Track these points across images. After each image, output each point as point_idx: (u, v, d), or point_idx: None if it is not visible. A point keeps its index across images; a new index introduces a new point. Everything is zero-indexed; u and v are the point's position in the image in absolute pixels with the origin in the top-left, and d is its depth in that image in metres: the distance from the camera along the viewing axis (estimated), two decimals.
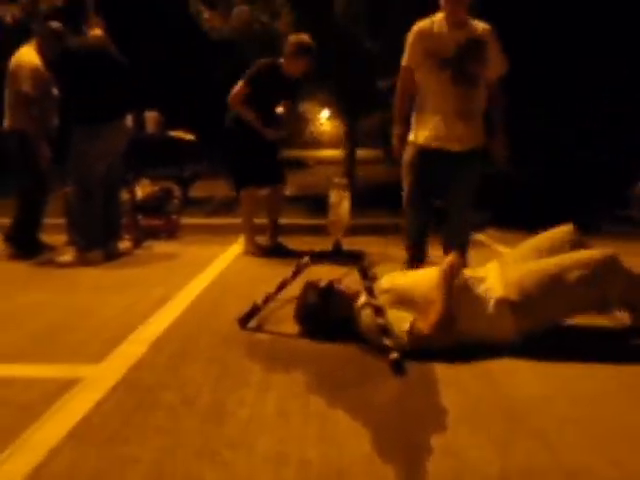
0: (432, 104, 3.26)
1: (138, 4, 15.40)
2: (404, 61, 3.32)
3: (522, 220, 5.91)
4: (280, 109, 4.59)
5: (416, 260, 3.46)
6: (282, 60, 4.40)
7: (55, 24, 4.55)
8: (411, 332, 2.18)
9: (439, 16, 3.22)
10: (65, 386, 1.98)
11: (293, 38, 4.39)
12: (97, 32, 4.30)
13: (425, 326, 2.19)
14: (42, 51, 4.48)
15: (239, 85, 4.34)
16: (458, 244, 3.30)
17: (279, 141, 4.62)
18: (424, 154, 3.28)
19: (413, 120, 3.38)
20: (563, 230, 2.51)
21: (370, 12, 6.42)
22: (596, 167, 9.35)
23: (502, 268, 2.41)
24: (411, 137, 3.37)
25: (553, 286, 2.24)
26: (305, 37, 4.37)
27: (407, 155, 3.40)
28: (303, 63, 4.37)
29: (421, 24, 3.25)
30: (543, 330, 2.26)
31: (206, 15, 7.45)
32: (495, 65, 3.24)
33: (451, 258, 2.40)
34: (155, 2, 15.76)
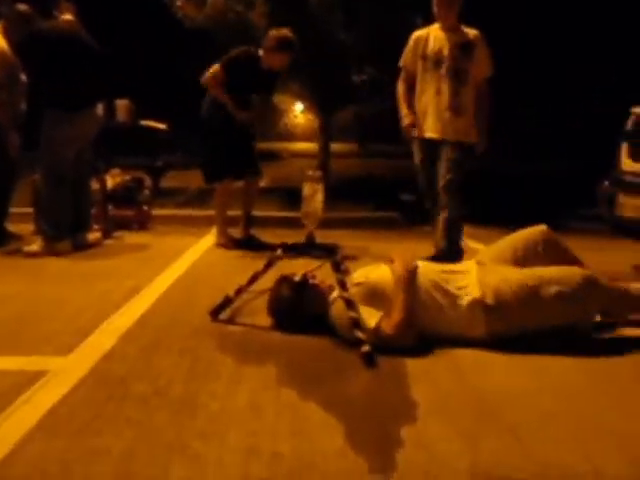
0: (427, 99, 3.68)
1: None
2: (401, 62, 3.81)
3: (494, 216, 6.02)
4: (254, 100, 4.55)
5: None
6: (261, 52, 4.36)
7: (23, 7, 4.42)
8: (376, 330, 2.20)
9: (435, 25, 3.71)
10: (33, 378, 1.94)
11: (274, 32, 4.33)
12: (68, 17, 4.20)
13: (387, 326, 2.21)
14: (8, 34, 4.35)
15: (214, 67, 4.28)
16: (448, 231, 3.72)
17: (253, 131, 4.58)
18: (423, 144, 3.74)
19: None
20: (537, 229, 2.54)
21: (344, 3, 6.41)
22: (569, 168, 9.58)
23: (479, 268, 2.42)
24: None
25: (530, 297, 2.27)
26: (287, 32, 4.32)
27: (415, 149, 3.84)
28: (283, 58, 4.35)
29: (417, 32, 3.76)
30: (516, 334, 2.28)
31: (179, 3, 7.35)
32: (483, 66, 3.66)
33: (403, 260, 2.38)
34: None
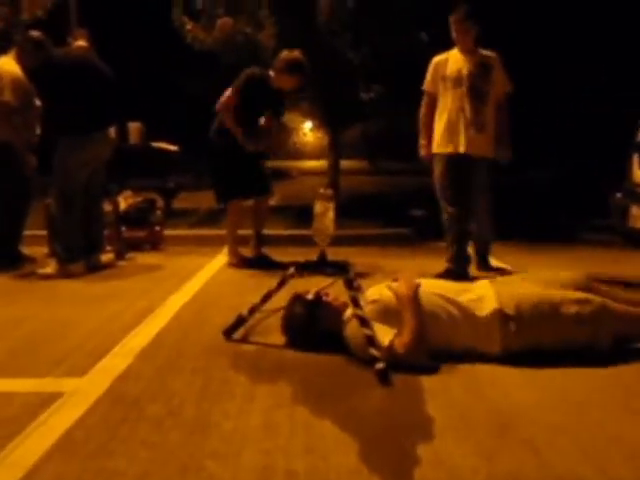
0: (450, 118, 3.86)
1: (121, 16, 15.38)
2: (424, 86, 4.01)
3: (506, 230, 6.00)
4: (262, 120, 4.59)
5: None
6: (271, 73, 4.41)
7: (36, 33, 4.49)
8: (389, 348, 2.19)
9: (454, 49, 3.94)
10: (47, 400, 1.95)
11: (285, 54, 4.36)
12: (81, 43, 4.29)
13: (399, 345, 2.20)
14: (22, 61, 4.43)
15: (228, 94, 4.33)
16: (482, 244, 4.17)
17: (263, 151, 4.62)
18: (450, 161, 3.88)
19: (436, 134, 3.97)
20: (582, 273, 2.54)
21: (352, 23, 6.49)
22: (578, 178, 9.54)
23: (495, 282, 2.46)
24: (435, 149, 3.97)
25: (549, 313, 2.28)
26: (298, 54, 4.34)
27: (438, 166, 3.97)
28: (293, 80, 4.38)
29: (437, 57, 3.98)
30: (529, 351, 2.27)
31: (189, 26, 7.48)
32: (501, 85, 3.91)
33: (406, 280, 2.38)
34: (138, 14, 15.76)
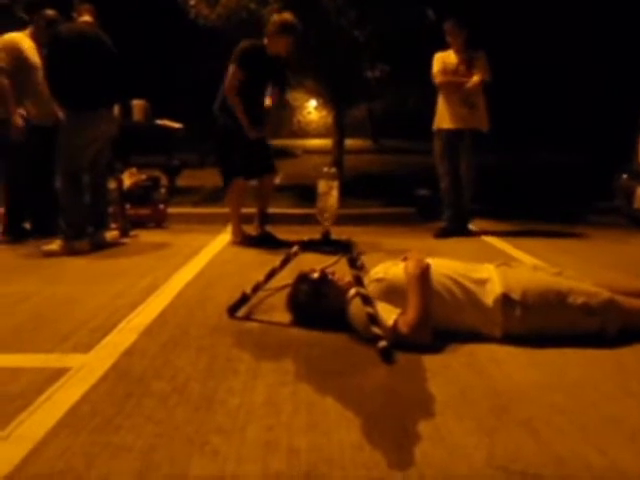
0: (448, 99, 4.89)
1: None
2: (434, 69, 4.93)
3: (510, 210, 5.99)
4: (267, 102, 4.57)
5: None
6: (265, 40, 4.38)
7: (50, 11, 4.55)
8: (393, 328, 2.20)
9: (450, 50, 4.97)
10: (53, 376, 1.97)
11: (276, 17, 4.41)
12: (86, 18, 4.25)
13: (404, 325, 2.21)
14: (36, 38, 4.51)
15: (231, 71, 4.29)
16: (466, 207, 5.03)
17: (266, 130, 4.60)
18: (445, 135, 4.91)
19: (438, 113, 5.00)
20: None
21: (358, 1, 6.39)
22: (583, 161, 9.49)
23: (501, 267, 2.43)
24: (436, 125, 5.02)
25: (556, 301, 2.27)
26: (288, 16, 4.38)
27: (437, 142, 5.02)
28: (286, 41, 4.37)
29: (440, 53, 4.96)
30: (529, 336, 2.27)
31: (192, 1, 7.38)
32: (483, 72, 4.78)
33: (416, 259, 2.37)
34: None
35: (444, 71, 4.85)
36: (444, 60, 4.90)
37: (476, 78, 4.76)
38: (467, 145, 4.88)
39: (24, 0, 7.33)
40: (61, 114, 4.29)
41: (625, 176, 3.87)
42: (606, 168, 4.66)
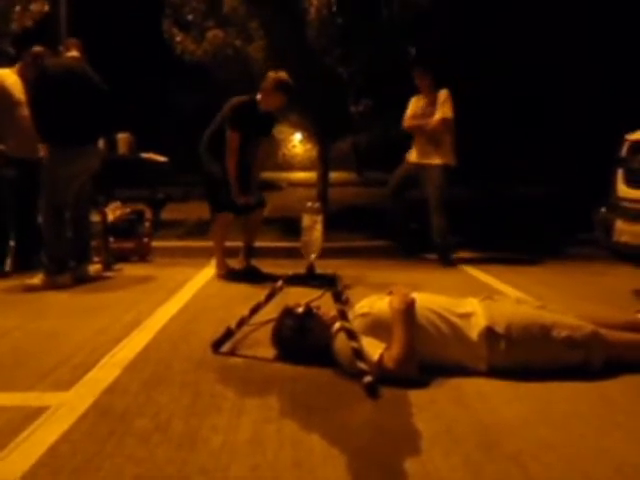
0: (417, 137, 5.39)
1: (111, 27, 15.37)
2: (406, 114, 5.41)
3: (492, 243, 6.05)
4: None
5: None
6: (258, 96, 4.47)
7: (38, 48, 4.59)
8: (379, 363, 2.19)
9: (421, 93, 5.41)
10: (33, 414, 1.93)
11: (272, 74, 4.49)
12: (73, 53, 4.28)
13: (389, 360, 2.20)
14: (23, 74, 4.53)
15: (231, 138, 4.34)
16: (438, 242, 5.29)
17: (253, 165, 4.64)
18: (413, 167, 5.41)
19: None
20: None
21: (341, 38, 6.54)
22: (562, 193, 9.67)
23: (485, 301, 2.45)
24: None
25: (539, 335, 2.29)
26: (284, 75, 4.48)
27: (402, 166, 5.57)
28: (280, 99, 4.48)
29: (414, 97, 5.42)
30: (514, 369, 2.28)
31: (179, 38, 7.49)
32: (443, 111, 5.15)
33: (401, 294, 2.38)
34: (128, 25, 15.76)
35: (414, 115, 5.32)
36: (415, 103, 5.35)
37: (436, 117, 5.14)
38: (433, 179, 5.20)
39: (11, 35, 7.43)
40: (44, 150, 4.27)
41: (603, 209, 3.94)
42: (585, 200, 4.75)
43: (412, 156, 5.40)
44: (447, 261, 5.21)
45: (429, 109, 5.22)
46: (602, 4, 12.68)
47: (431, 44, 7.17)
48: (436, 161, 5.21)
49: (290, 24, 6.57)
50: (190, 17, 7.40)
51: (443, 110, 5.15)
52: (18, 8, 7.64)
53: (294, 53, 6.53)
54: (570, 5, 12.85)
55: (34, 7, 7.72)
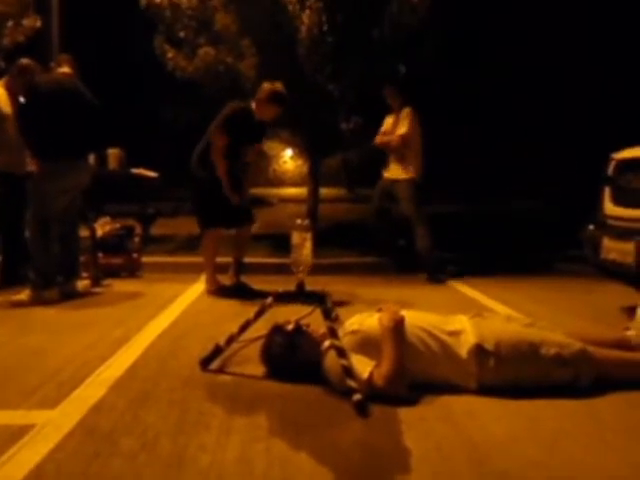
0: (389, 154, 5.63)
1: (103, 43, 15.43)
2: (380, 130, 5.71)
3: (482, 261, 6.08)
4: (249, 157, 4.64)
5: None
6: (253, 104, 4.48)
7: (25, 60, 4.57)
8: (368, 381, 2.19)
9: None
10: (18, 433, 1.90)
11: (268, 85, 4.49)
12: (65, 69, 4.29)
13: (379, 378, 2.20)
14: (10, 87, 4.50)
15: (218, 136, 4.33)
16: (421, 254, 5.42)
17: (244, 180, 4.65)
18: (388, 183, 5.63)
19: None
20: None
21: (332, 56, 6.60)
22: (556, 208, 9.77)
23: (475, 319, 2.46)
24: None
25: (529, 352, 2.30)
26: (279, 86, 4.48)
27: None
28: (274, 110, 4.50)
29: (388, 115, 5.67)
30: (504, 387, 2.28)
31: (170, 54, 7.53)
32: (401, 128, 5.39)
33: (391, 311, 2.39)
34: (120, 42, 15.83)
35: (384, 132, 5.60)
36: (387, 121, 5.63)
37: (395, 134, 5.42)
38: (401, 193, 5.44)
39: (3, 50, 7.43)
40: (33, 164, 4.26)
41: (591, 227, 3.98)
42: (574, 216, 4.79)
43: (385, 172, 5.65)
44: (435, 278, 5.23)
45: (396, 127, 5.48)
46: (594, 28, 12.97)
47: (422, 62, 7.25)
48: (402, 176, 5.43)
49: (281, 42, 6.63)
50: (182, 34, 7.44)
51: (400, 127, 5.41)
52: (10, 23, 7.66)
53: (285, 70, 6.57)
54: (562, 26, 13.12)
55: (26, 22, 7.75)
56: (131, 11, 8.15)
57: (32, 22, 7.75)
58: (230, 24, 6.96)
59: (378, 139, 5.60)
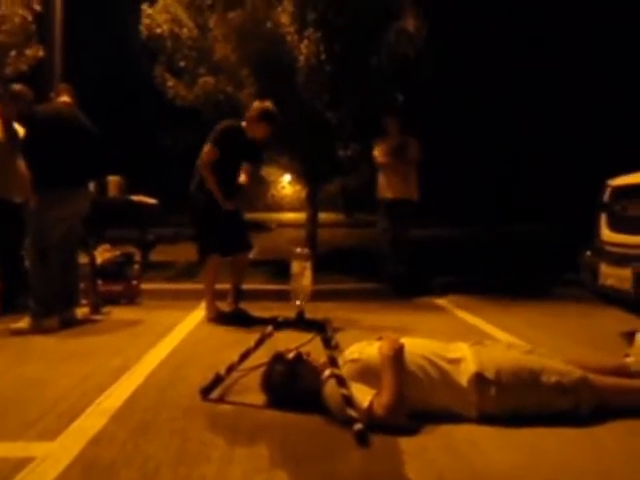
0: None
1: (104, 72, 15.64)
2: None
3: (481, 285, 6.09)
4: (242, 178, 4.69)
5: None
6: (244, 123, 4.54)
7: (17, 86, 4.59)
8: (368, 410, 2.18)
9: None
10: (17, 466, 1.89)
11: (257, 104, 4.59)
12: (65, 99, 4.35)
13: (379, 407, 2.19)
14: (4, 113, 4.53)
15: (207, 148, 4.40)
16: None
17: (241, 206, 4.69)
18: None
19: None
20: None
21: (330, 85, 6.71)
22: (554, 232, 9.82)
23: (475, 347, 2.46)
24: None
25: (529, 380, 2.30)
26: (269, 104, 4.57)
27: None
28: (265, 128, 4.55)
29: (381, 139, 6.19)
30: (505, 416, 2.27)
31: (171, 83, 7.64)
32: (414, 154, 6.03)
33: (390, 340, 2.40)
34: (121, 70, 16.04)
35: (389, 153, 6.07)
36: (382, 146, 6.07)
37: (410, 157, 5.96)
38: (404, 213, 5.99)
39: (5, 79, 7.53)
40: (31, 192, 4.25)
41: (589, 253, 4.00)
42: (573, 238, 4.82)
43: (388, 192, 6.04)
44: (399, 291, 5.71)
45: (406, 151, 6.00)
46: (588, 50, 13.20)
47: (419, 89, 7.38)
48: (407, 197, 6.02)
49: (280, 71, 6.74)
50: (182, 64, 7.57)
51: (412, 151, 6.03)
52: (13, 53, 7.76)
53: (284, 99, 6.67)
54: (551, 51, 13.35)
55: (29, 52, 7.86)
56: (132, 41, 8.30)
57: (35, 52, 7.85)
58: (230, 54, 7.08)
59: (387, 159, 5.95)
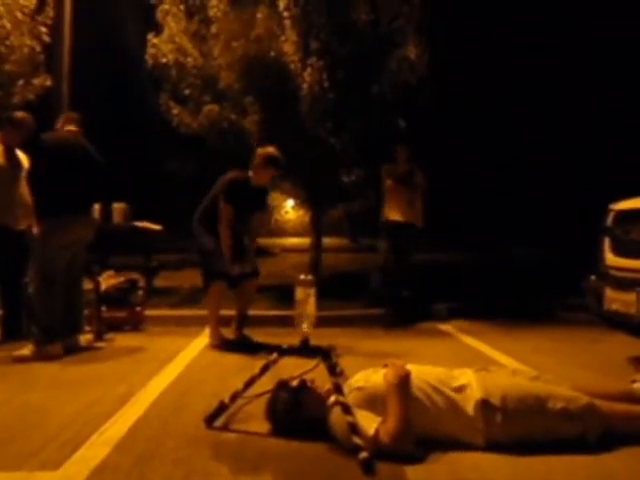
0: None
1: (111, 101, 15.88)
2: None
3: (485, 310, 6.07)
4: (246, 240, 4.72)
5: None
6: (250, 172, 4.61)
7: (19, 113, 4.62)
8: (374, 438, 2.17)
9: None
10: None
11: (261, 151, 4.67)
12: (71, 127, 4.40)
13: (385, 435, 2.18)
14: (7, 141, 4.56)
15: (223, 209, 4.44)
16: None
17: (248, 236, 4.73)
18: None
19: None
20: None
21: (333, 112, 6.79)
22: (558, 256, 9.80)
23: (480, 373, 2.45)
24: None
25: (535, 406, 2.28)
26: (272, 149, 4.67)
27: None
28: (270, 173, 4.67)
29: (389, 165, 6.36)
30: (511, 443, 2.25)
31: (175, 111, 7.75)
32: (420, 183, 6.24)
33: (396, 367, 2.39)
34: (126, 98, 16.29)
35: (398, 179, 6.23)
36: (391, 170, 6.27)
37: (419, 184, 6.22)
38: (410, 236, 6.22)
39: (13, 108, 7.63)
40: (35, 220, 4.25)
41: (593, 277, 4.00)
42: (574, 263, 4.82)
43: (395, 215, 6.19)
44: (403, 316, 5.71)
45: (414, 176, 6.21)
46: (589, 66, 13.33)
47: (421, 116, 7.49)
48: (413, 221, 6.20)
49: (284, 99, 6.83)
50: (187, 92, 7.68)
51: (421, 180, 6.25)
52: (21, 81, 7.89)
53: (287, 126, 6.76)
54: (554, 73, 13.49)
55: (37, 81, 7.98)
56: (137, 70, 8.44)
57: (42, 81, 7.97)
58: (234, 82, 7.18)
59: (396, 185, 6.17)
